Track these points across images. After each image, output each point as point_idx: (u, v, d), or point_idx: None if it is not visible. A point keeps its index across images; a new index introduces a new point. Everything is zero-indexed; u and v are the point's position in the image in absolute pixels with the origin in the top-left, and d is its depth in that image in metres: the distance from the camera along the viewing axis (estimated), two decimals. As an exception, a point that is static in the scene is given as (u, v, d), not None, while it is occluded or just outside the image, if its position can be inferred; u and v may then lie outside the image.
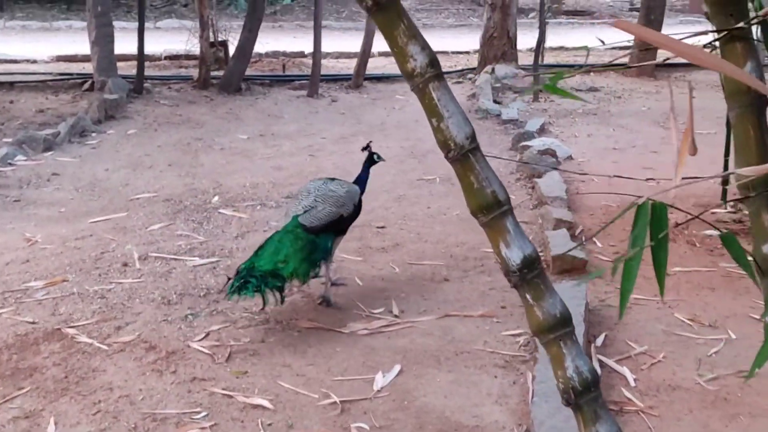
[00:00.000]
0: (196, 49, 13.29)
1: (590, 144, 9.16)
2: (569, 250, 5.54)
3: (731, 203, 6.82)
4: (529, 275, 2.40)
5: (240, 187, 7.49)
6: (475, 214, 2.48)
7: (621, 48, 17.68)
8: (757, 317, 4.89)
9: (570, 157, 8.48)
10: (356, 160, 8.48)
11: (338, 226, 5.13)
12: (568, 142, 9.23)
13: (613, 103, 11.64)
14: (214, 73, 12.17)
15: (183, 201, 7.06)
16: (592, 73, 13.92)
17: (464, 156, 2.41)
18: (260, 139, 9.50)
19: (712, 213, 6.76)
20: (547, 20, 14.13)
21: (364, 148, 5.64)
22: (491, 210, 2.42)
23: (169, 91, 11.75)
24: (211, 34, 12.82)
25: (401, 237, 6.28)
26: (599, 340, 4.64)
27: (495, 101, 11.37)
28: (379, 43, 13.46)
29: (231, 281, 4.67)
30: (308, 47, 16.32)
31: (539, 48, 11.89)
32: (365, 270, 5.64)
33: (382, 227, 6.49)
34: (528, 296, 2.39)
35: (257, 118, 10.56)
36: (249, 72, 12.52)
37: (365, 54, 12.49)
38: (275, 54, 15.20)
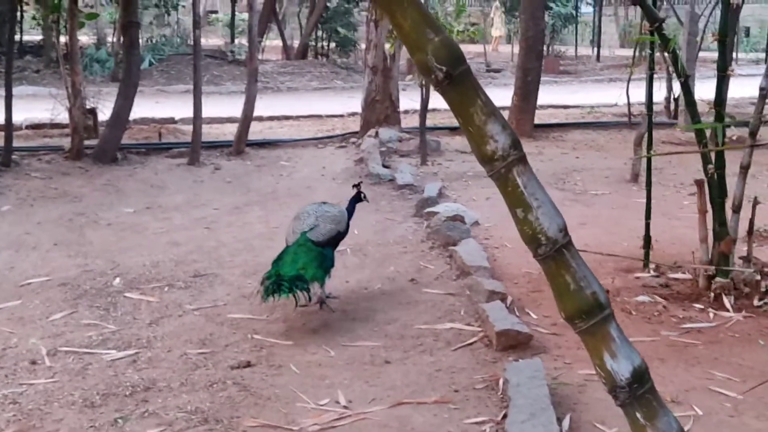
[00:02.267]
0: (60, 118, 12.63)
1: (491, 208, 9.01)
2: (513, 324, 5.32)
3: (653, 266, 6.77)
4: (640, 390, 2.08)
5: (140, 267, 6.96)
6: (571, 320, 2.16)
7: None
8: (718, 390, 4.75)
9: (477, 223, 8.30)
10: (256, 231, 8.16)
11: (336, 240, 6.14)
12: (468, 206, 9.07)
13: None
14: (86, 143, 11.50)
15: (81, 285, 6.48)
16: (472, 135, 13.92)
17: (558, 252, 2.09)
18: (148, 212, 8.95)
19: (636, 278, 6.68)
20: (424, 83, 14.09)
21: (354, 185, 6.61)
22: (592, 315, 2.11)
23: (39, 163, 11.02)
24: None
25: (327, 316, 5.91)
26: (565, 423, 4.37)
27: (384, 165, 11.16)
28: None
29: (263, 286, 5.53)
30: (175, 113, 15.96)
31: (425, 110, 11.75)
32: (299, 355, 5.24)
33: (304, 306, 6.09)
34: (639, 416, 2.07)
35: (140, 190, 9.99)
36: (123, 140, 11.90)
37: (247, 119, 12.11)
38: (144, 120, 14.60)
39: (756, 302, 5.99)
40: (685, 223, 8.24)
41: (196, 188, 10.14)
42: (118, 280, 6.60)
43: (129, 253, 7.37)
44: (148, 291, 6.35)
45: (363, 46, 29.28)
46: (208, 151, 12.01)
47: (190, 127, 14.05)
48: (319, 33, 27.18)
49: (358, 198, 6.51)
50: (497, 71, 27.35)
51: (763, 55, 31.63)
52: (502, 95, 21.32)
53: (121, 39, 22.19)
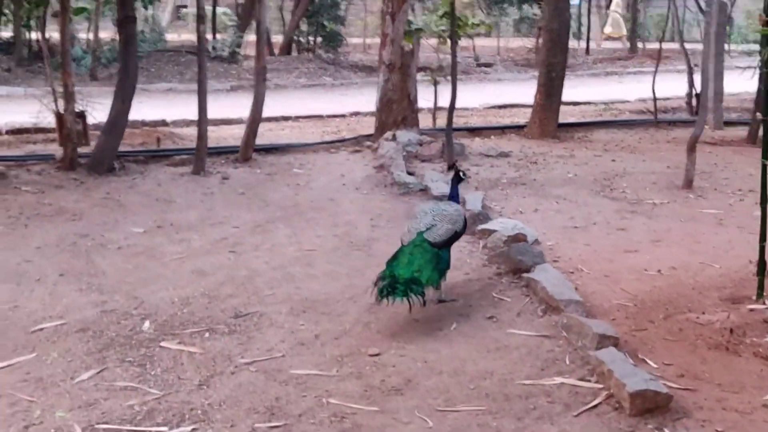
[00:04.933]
0: (46, 122, 11.54)
1: (544, 222, 8.08)
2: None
3: (768, 296, 5.85)
4: None
5: (168, 305, 5.94)
6: None
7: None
8: None
9: (537, 241, 7.33)
10: (289, 256, 7.15)
11: (454, 240, 5.99)
12: (517, 219, 8.11)
13: (533, 169, 10.66)
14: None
15: (104, 330, 5.45)
16: (492, 137, 12.99)
17: None
18: (160, 233, 7.91)
19: (751, 310, 5.74)
20: (438, 80, 13.14)
21: (450, 167, 6.64)
22: None
23: (29, 174, 9.92)
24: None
25: (407, 368, 4.93)
26: None
27: (408, 173, 10.18)
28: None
29: (377, 287, 5.44)
30: (163, 113, 14.89)
31: (452, 110, 10.77)
32: (390, 427, 4.27)
33: (377, 354, 5.11)
34: None
35: (145, 204, 8.93)
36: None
37: (255, 122, 11.07)
38: (133, 124, 13.46)
39: None
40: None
41: (207, 202, 9.09)
42: (147, 324, 5.57)
43: (151, 287, 6.34)
44: (187, 339, 5.33)
45: (351, 40, 28.57)
46: (211, 157, 10.94)
47: (187, 131, 13.11)
48: (305, 27, 26.04)
49: (458, 178, 6.35)
50: (488, 65, 26.42)
51: (755, 47, 30.88)
52: (498, 91, 20.59)
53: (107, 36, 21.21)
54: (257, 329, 5.51)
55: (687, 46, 16.09)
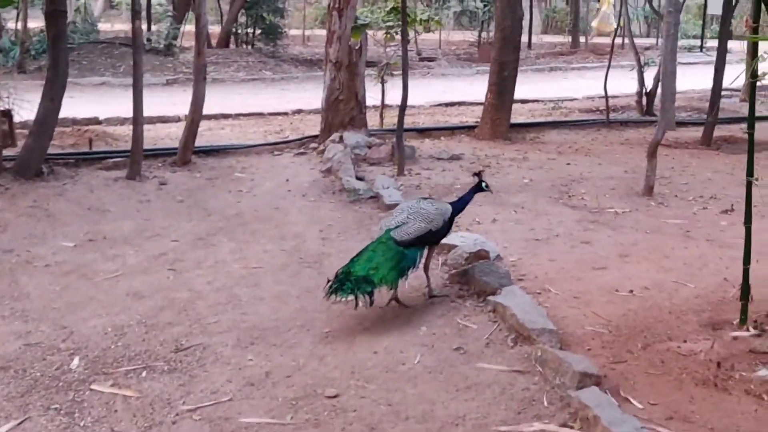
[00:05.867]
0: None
1: (504, 234, 7.63)
2: None
3: (753, 322, 5.46)
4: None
5: (100, 336, 5.35)
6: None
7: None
8: None
9: (499, 257, 6.85)
10: (235, 274, 6.61)
11: (427, 239, 5.85)
12: (475, 230, 7.67)
13: (487, 174, 10.16)
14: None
15: (28, 369, 4.86)
16: (443, 138, 12.53)
17: None
18: (92, 247, 7.29)
19: (734, 339, 5.35)
20: (385, 78, 12.64)
21: (475, 174, 6.33)
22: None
23: (-52, 180, 9.20)
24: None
25: (370, 413, 4.43)
26: None
27: (357, 177, 9.67)
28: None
29: (330, 283, 5.41)
30: (96, 110, 14.15)
31: (403, 111, 10.27)
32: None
33: (335, 396, 4.60)
34: None
35: (76, 214, 8.28)
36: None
37: (194, 123, 10.44)
38: (63, 122, 12.70)
39: None
40: (741, 252, 6.97)
41: (144, 211, 8.47)
42: (76, 360, 4.98)
43: (81, 313, 5.75)
44: (122, 379, 4.76)
45: (290, 32, 27.91)
46: (147, 160, 10.27)
47: (121, 130, 12.45)
48: (243, 19, 25.33)
49: (479, 187, 6.21)
50: (431, 60, 25.97)
51: (695, 42, 30.94)
52: (443, 87, 20.15)
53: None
54: (200, 366, 4.96)
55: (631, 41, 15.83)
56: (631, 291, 6.18)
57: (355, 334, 5.43)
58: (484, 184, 6.22)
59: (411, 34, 25.90)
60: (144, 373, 4.83)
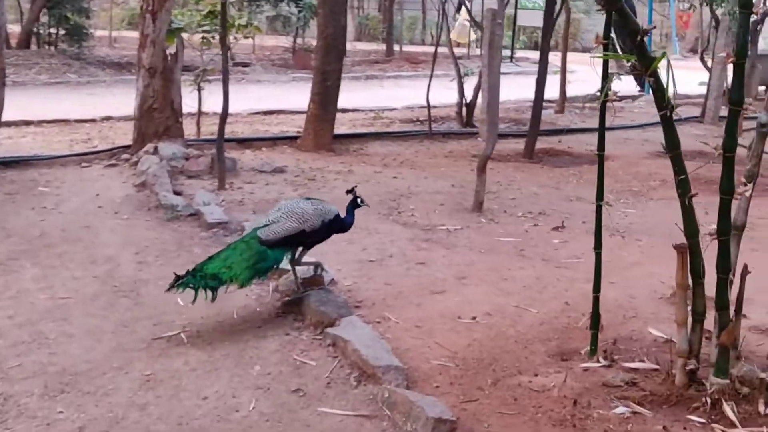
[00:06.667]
0: None
1: (337, 256, 7.16)
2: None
3: (603, 352, 5.25)
4: None
5: None
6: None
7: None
8: None
9: (333, 281, 6.43)
10: (40, 306, 5.91)
11: (299, 240, 5.73)
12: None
13: (312, 188, 9.75)
14: None
15: None
16: (264, 149, 12.00)
17: None
18: None
19: (585, 370, 5.12)
20: (202, 85, 11.98)
21: (348, 191, 6.01)
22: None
23: None
24: None
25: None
26: None
27: (175, 192, 9.03)
28: None
29: (177, 278, 5.32)
30: None
31: (224, 120, 9.69)
32: None
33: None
34: None
35: None
36: None
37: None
38: None
39: (763, 409, 4.59)
40: (578, 273, 6.86)
41: (-73, 233, 7.55)
42: None
43: None
44: None
45: (96, 32, 26.56)
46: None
47: None
48: (45, 19, 23.90)
49: (355, 203, 6.00)
50: (246, 65, 25.33)
51: (506, 53, 31.59)
52: (260, 94, 19.57)
53: None
54: (1, 423, 4.27)
55: (442, 50, 15.74)
56: (474, 318, 5.88)
57: (180, 377, 4.87)
58: (359, 200, 5.99)
59: (230, 39, 25.33)
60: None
